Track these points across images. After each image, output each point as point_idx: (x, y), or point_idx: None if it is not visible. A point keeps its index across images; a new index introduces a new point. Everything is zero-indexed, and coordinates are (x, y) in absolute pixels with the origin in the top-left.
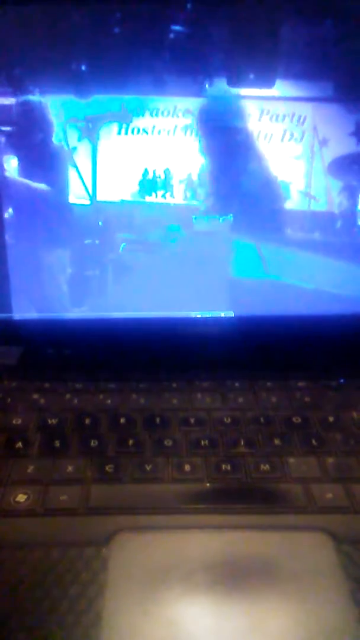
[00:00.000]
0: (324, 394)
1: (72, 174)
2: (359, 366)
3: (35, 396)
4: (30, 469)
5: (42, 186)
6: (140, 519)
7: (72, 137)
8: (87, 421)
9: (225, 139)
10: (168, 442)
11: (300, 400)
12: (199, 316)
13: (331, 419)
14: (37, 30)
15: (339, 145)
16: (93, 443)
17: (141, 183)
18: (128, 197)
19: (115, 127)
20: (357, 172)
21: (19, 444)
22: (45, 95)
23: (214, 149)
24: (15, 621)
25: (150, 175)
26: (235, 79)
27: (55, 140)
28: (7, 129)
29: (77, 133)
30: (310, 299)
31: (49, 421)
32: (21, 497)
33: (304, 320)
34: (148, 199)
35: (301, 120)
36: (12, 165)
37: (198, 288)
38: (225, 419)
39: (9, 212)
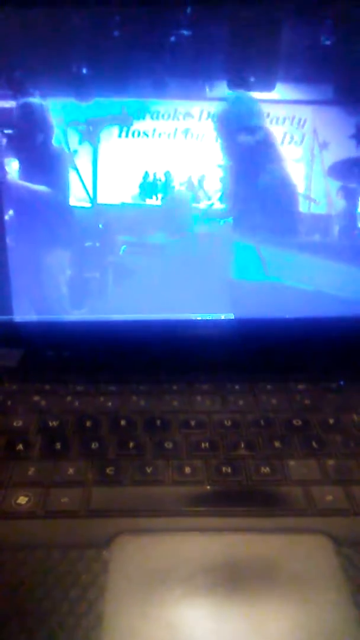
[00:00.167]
0: (324, 396)
1: (72, 176)
2: (359, 368)
3: (36, 398)
4: (31, 471)
5: (42, 189)
6: (140, 522)
7: (73, 139)
8: (88, 423)
9: (225, 141)
10: (168, 445)
11: (300, 403)
12: (199, 318)
13: (331, 421)
14: (38, 33)
15: (339, 148)
16: (94, 445)
17: (142, 186)
18: (129, 200)
19: (115, 129)
20: (357, 174)
21: (20, 446)
22: (46, 98)
23: (214, 151)
24: (16, 623)
25: (151, 178)
26: (236, 82)
27: (56, 142)
28: (9, 131)
29: (78, 136)
30: (310, 301)
31: (50, 423)
32: (22, 500)
33: (304, 323)
34: (148, 201)
35: (301, 123)
36: (13, 167)
37: (198, 290)
38: (225, 422)
39: (10, 215)
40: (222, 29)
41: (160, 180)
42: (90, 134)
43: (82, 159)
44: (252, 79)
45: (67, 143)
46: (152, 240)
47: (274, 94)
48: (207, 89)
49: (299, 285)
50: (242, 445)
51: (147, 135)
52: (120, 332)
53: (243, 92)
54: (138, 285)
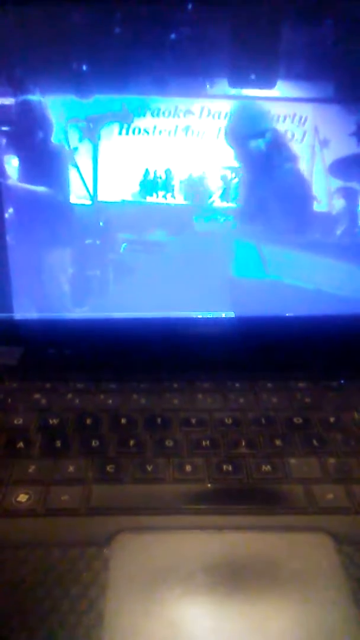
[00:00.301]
0: (325, 394)
1: (73, 174)
2: (359, 367)
3: (37, 396)
4: (32, 469)
5: (43, 186)
6: (141, 520)
7: (73, 137)
8: (88, 421)
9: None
10: (169, 443)
11: (301, 401)
12: (199, 316)
13: (332, 419)
14: (38, 30)
15: (340, 146)
16: (94, 443)
17: (142, 183)
18: (129, 198)
19: (116, 127)
20: (357, 172)
21: (20, 444)
22: (46, 95)
23: (215, 149)
24: (17, 621)
25: (151, 176)
26: (236, 80)
27: (56, 140)
28: (8, 129)
29: (78, 133)
30: (310, 299)
31: (50, 421)
32: (22, 497)
33: (304, 321)
34: (149, 199)
35: (302, 120)
36: (13, 165)
37: (199, 288)
38: (226, 420)
39: (10, 212)
40: (222, 26)
41: (160, 178)
42: (91, 132)
43: (83, 157)
44: (252, 77)
45: (67, 140)
46: (152, 238)
47: (274, 92)
48: (208, 86)
49: (300, 283)
50: (243, 444)
51: (148, 133)
52: (121, 330)
53: (243, 89)
54: (138, 283)
